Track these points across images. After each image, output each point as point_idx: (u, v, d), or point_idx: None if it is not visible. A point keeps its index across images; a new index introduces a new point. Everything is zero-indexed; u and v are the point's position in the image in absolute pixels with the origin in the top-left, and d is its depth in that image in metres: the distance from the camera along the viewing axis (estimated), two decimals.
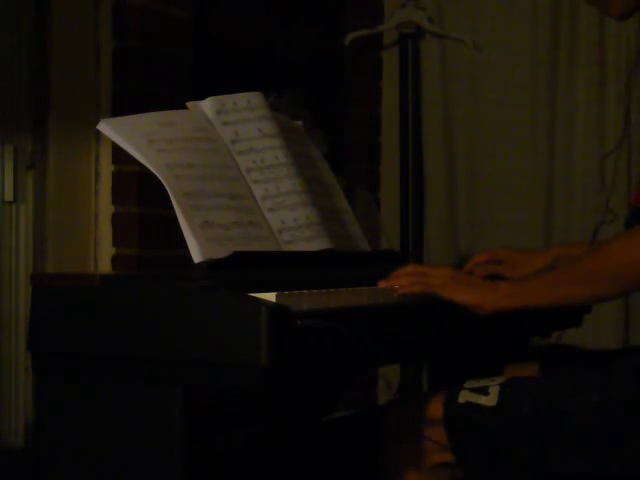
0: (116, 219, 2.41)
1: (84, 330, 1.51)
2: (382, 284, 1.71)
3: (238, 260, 1.62)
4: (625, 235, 1.68)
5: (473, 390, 1.71)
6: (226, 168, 1.79)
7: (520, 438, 1.67)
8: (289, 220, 1.82)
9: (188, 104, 1.87)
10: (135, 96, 2.42)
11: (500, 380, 1.73)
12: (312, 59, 3.18)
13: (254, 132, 1.86)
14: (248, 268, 1.63)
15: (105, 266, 2.39)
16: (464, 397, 1.70)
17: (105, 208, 2.41)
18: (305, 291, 1.47)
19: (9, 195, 2.18)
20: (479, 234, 3.35)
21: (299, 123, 2.09)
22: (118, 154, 2.37)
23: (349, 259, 1.93)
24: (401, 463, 1.74)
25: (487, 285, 1.73)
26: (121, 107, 2.38)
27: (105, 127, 1.72)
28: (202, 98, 1.87)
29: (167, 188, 1.66)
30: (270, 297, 1.40)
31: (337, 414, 2.43)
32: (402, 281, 1.70)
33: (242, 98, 1.89)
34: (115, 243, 2.40)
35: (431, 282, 1.70)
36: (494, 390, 1.70)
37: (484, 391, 1.70)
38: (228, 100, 1.87)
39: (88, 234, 2.39)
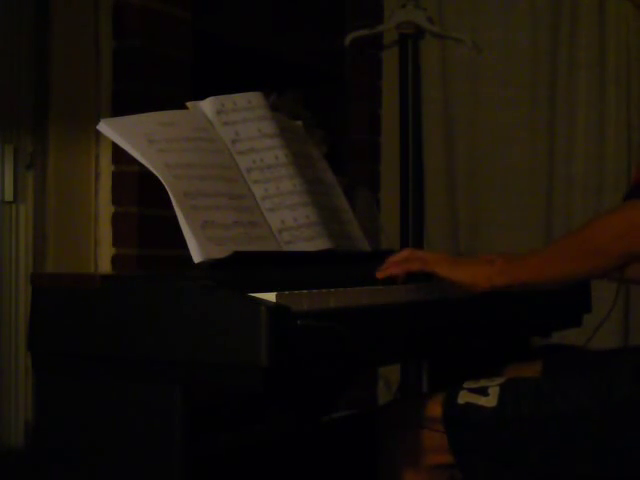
0: (116, 219, 2.41)
1: (84, 330, 1.51)
2: (379, 274, 1.70)
3: (238, 260, 1.62)
4: (614, 209, 1.67)
5: (472, 391, 1.71)
6: (226, 168, 1.79)
7: (520, 439, 1.67)
8: (289, 220, 1.82)
9: (188, 104, 1.87)
10: (135, 96, 2.42)
11: (499, 380, 1.73)
12: (312, 59, 3.18)
13: (254, 132, 1.86)
14: (248, 268, 1.63)
15: (105, 266, 2.39)
16: (463, 398, 1.70)
17: (105, 208, 2.40)
18: (305, 291, 1.47)
19: (9, 195, 2.18)
20: (479, 234, 3.36)
21: (299, 123, 2.09)
22: (118, 154, 2.37)
23: (349, 259, 1.93)
24: (400, 464, 1.75)
25: (481, 263, 1.72)
26: (121, 107, 2.38)
27: (105, 127, 1.72)
28: (202, 98, 1.87)
29: (167, 188, 1.66)
30: (270, 297, 1.40)
31: (337, 414, 2.43)
32: (399, 265, 1.70)
33: (242, 98, 1.89)
34: (115, 243, 2.40)
35: (426, 261, 1.70)
36: (494, 391, 1.70)
37: (484, 392, 1.70)
38: (228, 100, 1.87)
39: (88, 234, 2.39)
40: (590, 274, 1.76)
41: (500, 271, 1.68)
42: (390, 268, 1.71)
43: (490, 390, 1.70)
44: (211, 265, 1.62)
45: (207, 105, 1.85)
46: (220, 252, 1.64)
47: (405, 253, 1.75)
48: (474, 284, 1.68)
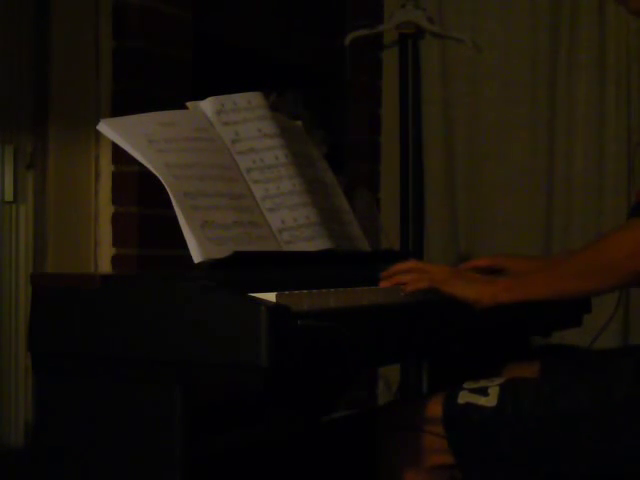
0: (116, 219, 2.41)
1: (84, 330, 1.51)
2: (384, 284, 1.71)
3: (238, 260, 1.62)
4: (621, 228, 1.68)
5: (472, 391, 1.71)
6: (226, 168, 1.79)
7: (520, 439, 1.67)
8: (289, 220, 1.82)
9: (188, 104, 1.87)
10: (135, 96, 2.42)
11: (499, 381, 1.73)
12: (312, 59, 3.18)
13: (254, 132, 1.86)
14: (248, 268, 1.63)
15: (105, 266, 2.39)
16: (464, 398, 1.70)
17: (105, 208, 2.40)
18: (305, 291, 1.47)
19: (9, 195, 2.18)
20: (479, 234, 3.35)
21: (299, 123, 2.09)
22: (118, 154, 2.37)
23: (349, 259, 1.93)
24: (400, 464, 1.75)
25: (485, 280, 1.75)
26: (121, 107, 2.38)
27: (105, 127, 1.72)
28: (202, 98, 1.87)
29: (167, 188, 1.66)
30: (270, 297, 1.40)
31: (337, 414, 2.43)
32: (405, 278, 1.71)
33: (242, 98, 1.89)
34: (115, 243, 2.40)
35: (433, 278, 1.71)
36: (494, 391, 1.70)
37: (484, 392, 1.70)
38: (228, 100, 1.88)
39: (88, 234, 2.39)
40: (597, 291, 1.77)
41: (504, 288, 1.71)
42: (395, 279, 1.72)
43: (490, 390, 1.70)
44: (211, 265, 1.62)
45: (207, 105, 1.85)
46: (220, 252, 1.64)
47: (411, 264, 1.77)
48: (479, 301, 1.71)
